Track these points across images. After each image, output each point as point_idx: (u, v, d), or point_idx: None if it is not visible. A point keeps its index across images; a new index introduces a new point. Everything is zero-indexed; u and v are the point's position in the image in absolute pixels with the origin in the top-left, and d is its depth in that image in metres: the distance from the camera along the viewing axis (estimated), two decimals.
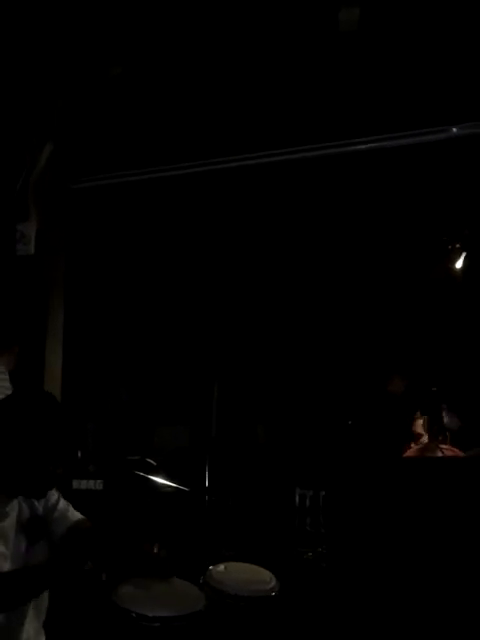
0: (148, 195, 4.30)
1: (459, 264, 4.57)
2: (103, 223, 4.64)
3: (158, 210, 4.67)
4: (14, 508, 2.09)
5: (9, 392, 3.05)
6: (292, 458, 4.84)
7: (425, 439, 3.65)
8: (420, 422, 3.67)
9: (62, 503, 2.27)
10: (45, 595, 2.17)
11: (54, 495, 2.26)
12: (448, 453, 3.45)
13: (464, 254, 4.57)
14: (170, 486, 3.35)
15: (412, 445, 3.69)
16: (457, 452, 3.55)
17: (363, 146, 3.60)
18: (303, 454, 4.80)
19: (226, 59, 3.41)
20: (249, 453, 5.31)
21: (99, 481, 4.15)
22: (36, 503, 2.18)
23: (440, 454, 3.45)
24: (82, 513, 2.44)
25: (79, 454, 4.24)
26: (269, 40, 3.26)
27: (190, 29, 3.28)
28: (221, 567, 2.81)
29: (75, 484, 4.13)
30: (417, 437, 3.67)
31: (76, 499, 3.94)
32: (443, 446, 3.49)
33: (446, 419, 3.61)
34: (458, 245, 4.56)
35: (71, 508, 2.29)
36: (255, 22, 3.16)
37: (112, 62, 3.43)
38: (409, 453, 3.70)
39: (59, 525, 2.21)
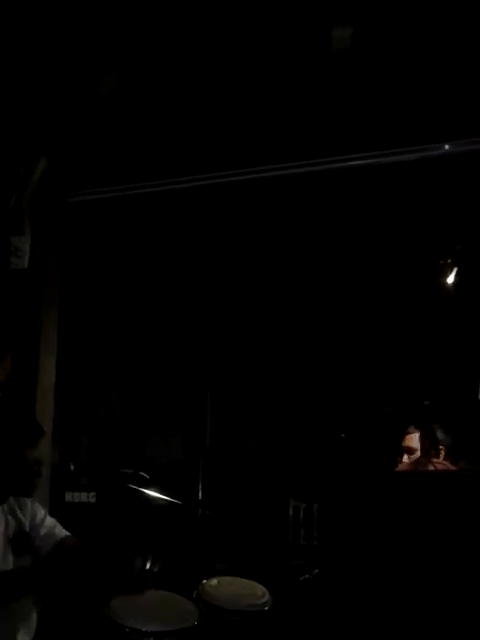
0: (142, 209, 4.32)
1: (451, 279, 4.61)
2: (98, 236, 4.66)
3: (152, 224, 4.70)
4: (1, 522, 2.10)
5: None
6: (286, 470, 4.85)
7: (418, 454, 3.66)
8: (414, 436, 3.68)
9: (49, 520, 2.28)
10: (33, 612, 2.17)
11: (41, 511, 2.27)
12: (440, 467, 3.47)
13: (456, 269, 4.60)
14: (163, 499, 3.35)
15: (404, 459, 3.70)
16: (449, 466, 3.56)
17: (355, 162, 3.64)
18: (297, 466, 4.80)
19: (220, 75, 3.45)
20: (242, 465, 5.31)
21: (92, 494, 4.14)
22: (23, 519, 2.19)
23: (432, 468, 3.46)
24: (75, 526, 2.44)
25: (72, 467, 4.23)
26: (262, 57, 3.30)
27: (184, 44, 3.32)
28: (214, 581, 2.81)
29: (68, 497, 4.12)
30: (411, 451, 3.68)
31: (69, 512, 3.95)
32: (435, 460, 3.50)
33: (440, 434, 3.62)
34: (450, 260, 4.59)
35: (58, 525, 2.31)
36: (248, 39, 3.20)
37: (106, 74, 3.46)
38: (401, 467, 3.71)
39: (45, 541, 2.22)
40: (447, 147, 3.69)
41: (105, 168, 3.93)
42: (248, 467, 5.30)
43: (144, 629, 2.35)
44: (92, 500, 4.13)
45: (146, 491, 3.38)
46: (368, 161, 3.63)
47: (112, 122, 3.69)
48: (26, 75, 3.47)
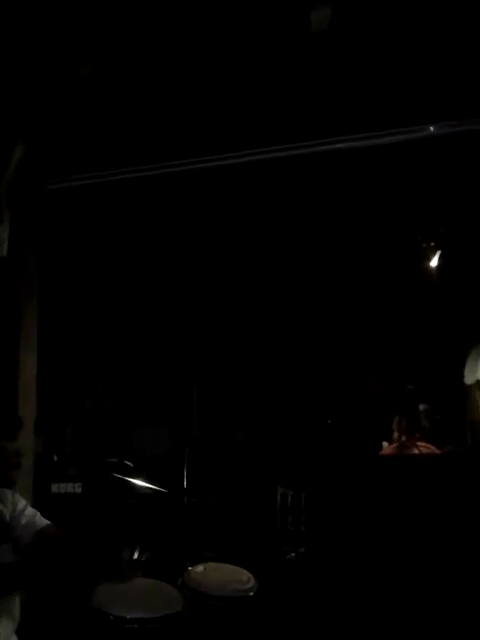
0: (124, 195, 4.28)
1: (434, 262, 4.60)
2: (78, 224, 4.61)
3: (135, 210, 4.65)
4: None
5: None
6: (273, 458, 4.85)
7: (395, 436, 3.68)
8: (396, 419, 3.70)
9: (29, 510, 2.29)
10: (17, 602, 2.16)
11: (22, 502, 2.28)
12: (424, 450, 3.48)
13: (439, 252, 4.60)
14: (149, 488, 3.34)
15: (386, 443, 3.72)
16: (433, 449, 3.58)
17: (337, 145, 3.61)
18: (284, 453, 4.81)
19: (199, 60, 3.40)
20: (230, 453, 5.31)
21: (78, 484, 4.12)
22: (4, 509, 2.19)
23: (417, 451, 3.48)
24: (61, 517, 2.43)
25: (55, 458, 4.20)
26: (240, 40, 3.26)
27: (160, 28, 3.26)
28: (200, 568, 2.81)
29: (54, 488, 4.10)
30: (392, 433, 3.71)
31: (55, 503, 3.93)
32: (420, 444, 3.52)
33: (423, 417, 3.64)
34: (433, 243, 4.59)
35: (39, 515, 2.31)
36: (226, 23, 3.16)
37: (83, 60, 3.40)
38: (386, 451, 3.72)
39: (26, 531, 2.22)
40: (432, 129, 3.67)
41: (85, 154, 3.88)
42: (235, 455, 5.30)
43: (129, 616, 2.35)
44: (78, 491, 4.11)
45: (132, 480, 3.36)
46: (351, 144, 3.60)
47: (91, 108, 3.63)
48: (1, 62, 3.41)
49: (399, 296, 4.88)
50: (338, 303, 5.08)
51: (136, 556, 2.60)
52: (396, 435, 3.68)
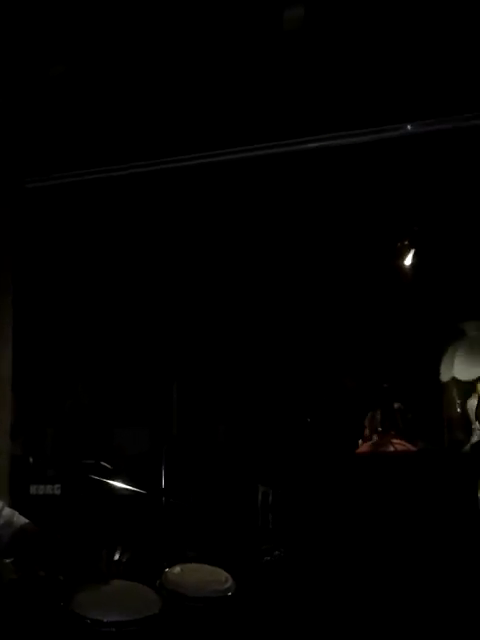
0: (100, 194, 4.25)
1: (408, 260, 4.63)
2: (55, 221, 4.57)
3: (112, 208, 4.62)
4: None
5: None
6: (254, 456, 4.86)
7: (366, 432, 3.71)
8: (368, 415, 3.73)
9: (7, 510, 2.28)
10: None
11: None
12: (400, 448, 3.51)
13: (413, 251, 4.63)
14: (127, 489, 3.32)
15: (362, 441, 3.74)
16: (409, 446, 3.61)
17: (311, 145, 3.61)
18: (265, 452, 4.82)
19: (173, 58, 3.39)
20: (210, 453, 5.31)
21: (57, 486, 4.10)
22: None
23: (392, 449, 3.50)
24: (40, 519, 2.42)
25: (31, 459, 4.18)
26: (213, 39, 3.25)
27: (133, 26, 3.24)
28: (177, 569, 2.79)
29: (33, 489, 4.08)
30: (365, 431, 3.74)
31: (34, 504, 3.90)
32: (395, 441, 3.54)
33: (398, 416, 3.67)
34: (407, 242, 4.62)
35: (17, 514, 2.30)
36: (199, 21, 3.14)
37: (58, 59, 3.38)
38: (362, 448, 3.75)
39: (4, 531, 2.21)
40: (409, 127, 3.67)
41: (62, 153, 3.85)
42: (216, 455, 5.30)
43: (105, 620, 2.34)
44: (57, 492, 4.08)
45: (109, 481, 3.34)
46: (326, 143, 3.60)
47: (68, 106, 3.60)
48: None
49: (376, 294, 4.91)
50: (316, 302, 5.10)
51: (116, 557, 2.59)
52: (367, 432, 3.72)
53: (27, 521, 2.31)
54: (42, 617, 2.65)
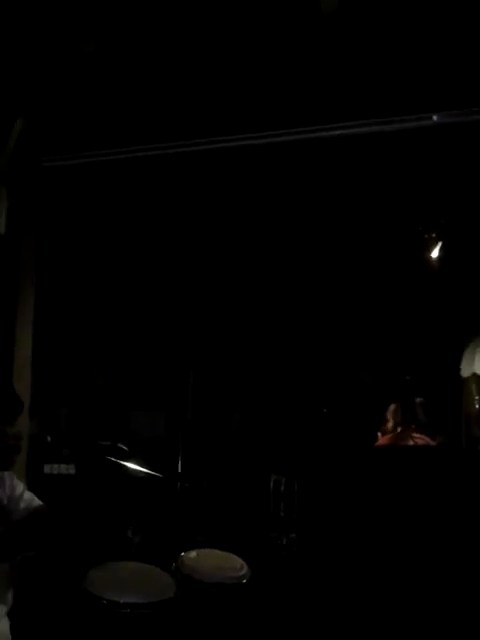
0: (123, 175, 4.22)
1: (435, 253, 4.57)
2: (77, 203, 4.55)
3: (134, 190, 4.59)
4: None
5: None
6: (267, 444, 4.86)
7: (390, 425, 3.69)
8: (392, 407, 3.70)
9: (27, 494, 2.28)
10: (9, 585, 2.15)
11: (20, 486, 2.26)
12: (420, 442, 3.49)
13: (440, 243, 4.57)
14: (142, 472, 3.33)
15: (380, 434, 3.72)
16: (428, 440, 3.58)
17: (340, 131, 3.56)
18: (278, 440, 4.81)
19: (203, 41, 3.33)
20: (225, 439, 5.32)
21: (71, 466, 4.11)
22: (1, 492, 2.17)
23: (412, 443, 3.48)
24: (54, 498, 2.42)
25: (49, 439, 4.19)
26: (248, 21, 3.19)
27: (167, 6, 3.20)
28: (193, 554, 2.81)
29: (47, 468, 4.10)
30: (385, 422, 3.71)
31: (48, 484, 3.92)
32: (415, 435, 3.52)
33: (419, 408, 3.64)
34: (434, 234, 4.55)
35: (35, 498, 2.30)
36: (233, 3, 3.09)
37: (86, 37, 3.33)
38: (382, 441, 3.73)
39: (23, 515, 2.20)
40: (435, 118, 3.61)
41: (84, 133, 3.81)
42: (230, 441, 5.31)
43: (122, 601, 2.36)
44: (71, 472, 4.10)
45: (125, 463, 3.35)
46: (353, 131, 3.55)
47: (91, 85, 3.57)
48: (2, 35, 3.34)
49: (399, 287, 4.85)
50: (337, 292, 5.05)
51: (129, 538, 2.60)
52: (391, 424, 3.69)
53: (42, 503, 2.31)
54: (58, 597, 2.67)
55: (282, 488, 4.17)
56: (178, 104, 3.59)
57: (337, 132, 3.62)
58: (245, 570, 2.73)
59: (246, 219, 4.79)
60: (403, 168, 4.15)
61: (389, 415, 3.71)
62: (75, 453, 4.18)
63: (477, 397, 4.36)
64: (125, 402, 5.44)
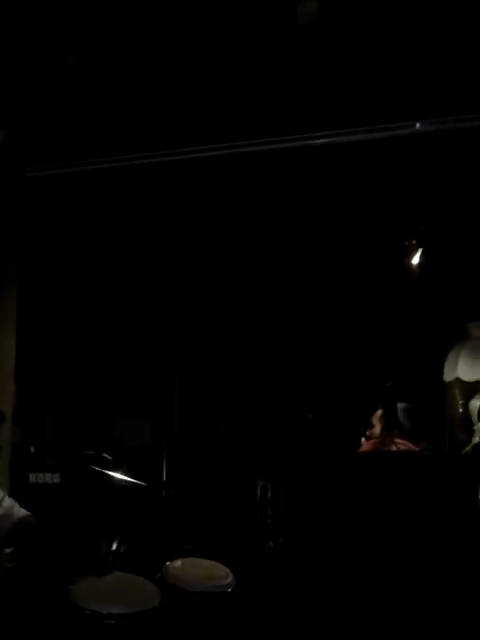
0: (106, 184, 4.23)
1: (416, 260, 4.62)
2: (60, 212, 4.55)
3: (118, 199, 4.60)
4: None
5: None
6: (254, 451, 4.86)
7: (376, 430, 3.71)
8: (379, 413, 3.72)
9: (8, 500, 2.29)
10: None
11: (0, 492, 2.26)
12: (402, 447, 3.51)
13: (420, 250, 4.61)
14: (127, 481, 3.32)
15: (364, 440, 3.74)
16: (411, 446, 3.60)
17: (323, 140, 3.59)
18: (265, 446, 4.82)
19: (183, 51, 3.36)
20: (211, 446, 5.32)
21: (56, 475, 4.10)
22: None
23: (395, 448, 3.50)
24: (39, 507, 2.42)
25: (32, 449, 4.17)
26: (225, 33, 3.22)
27: (149, 18, 3.22)
28: (178, 563, 2.80)
29: (32, 478, 4.08)
30: (370, 427, 3.73)
31: (33, 493, 3.90)
32: (398, 440, 3.54)
33: (401, 414, 3.67)
34: (414, 241, 4.60)
35: (17, 505, 2.30)
36: (211, 16, 3.12)
37: (67, 49, 3.35)
38: (365, 447, 3.74)
39: (5, 521, 2.23)
40: (418, 126, 3.65)
41: (66, 143, 3.82)
42: (216, 448, 5.31)
43: (105, 611, 2.34)
44: (56, 481, 4.08)
45: (109, 473, 3.34)
46: (335, 139, 3.58)
47: (73, 95, 3.58)
48: None
49: (381, 293, 4.89)
50: (320, 298, 5.08)
51: (114, 548, 2.59)
52: (376, 430, 3.71)
53: (27, 513, 2.31)
54: (41, 608, 2.65)
55: (269, 494, 4.18)
56: (159, 114, 3.61)
57: (320, 141, 3.65)
58: (230, 579, 2.72)
59: (229, 226, 4.81)
60: (384, 175, 4.19)
61: (374, 421, 3.74)
62: (60, 462, 4.17)
63: (461, 402, 4.39)
64: (110, 410, 5.43)
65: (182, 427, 5.53)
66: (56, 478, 4.09)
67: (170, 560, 2.83)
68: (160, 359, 5.50)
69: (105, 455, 3.58)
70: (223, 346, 5.44)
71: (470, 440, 4.02)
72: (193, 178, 4.18)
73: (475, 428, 4.01)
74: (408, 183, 4.19)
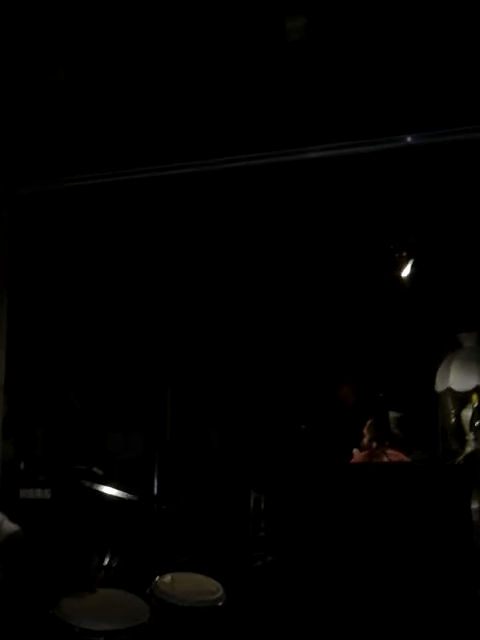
0: (94, 199, 4.24)
1: (406, 272, 4.64)
2: (50, 226, 4.56)
3: (107, 213, 4.61)
4: None
5: None
6: (247, 463, 4.84)
7: (365, 441, 3.71)
8: (369, 423, 3.73)
9: None
10: None
11: None
12: (394, 458, 3.50)
13: (411, 262, 4.64)
14: (118, 495, 3.30)
15: (356, 451, 3.73)
16: (402, 457, 3.60)
17: (314, 154, 3.60)
18: (258, 458, 4.81)
19: (171, 67, 3.38)
20: (203, 458, 5.30)
21: (47, 490, 4.06)
22: None
23: (386, 459, 3.49)
24: (29, 523, 2.40)
25: (22, 465, 4.14)
26: (215, 49, 3.24)
27: (135, 34, 3.24)
28: (168, 578, 2.78)
29: (22, 493, 4.04)
30: (362, 437, 3.73)
31: (24, 509, 3.87)
32: (389, 451, 3.54)
33: (393, 425, 3.67)
34: (405, 253, 4.62)
35: (6, 520, 2.28)
36: (200, 31, 3.14)
37: (55, 66, 3.36)
38: (356, 458, 3.74)
39: None
40: (409, 139, 3.67)
41: (55, 160, 3.84)
42: (209, 460, 5.29)
43: (95, 629, 2.32)
44: (47, 497, 4.05)
45: (100, 487, 3.32)
46: (326, 153, 3.60)
47: (61, 114, 3.59)
48: None
49: (373, 304, 4.91)
50: (312, 310, 5.10)
51: (105, 563, 2.57)
52: (366, 440, 3.71)
53: (17, 527, 2.30)
54: (29, 625, 2.62)
55: (262, 506, 4.16)
56: (147, 130, 3.63)
57: (311, 154, 3.66)
58: (220, 593, 2.71)
59: (221, 239, 4.83)
60: (375, 188, 4.22)
61: (365, 430, 3.74)
62: (51, 478, 4.14)
63: (453, 411, 4.39)
64: (102, 423, 5.41)
65: (174, 439, 5.51)
66: (47, 493, 4.05)
67: (161, 574, 2.82)
68: (151, 371, 5.49)
69: (95, 469, 3.56)
70: (215, 358, 5.44)
71: (463, 449, 4.02)
72: (181, 193, 4.20)
73: (467, 438, 4.00)
74: (399, 196, 4.22)
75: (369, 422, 3.77)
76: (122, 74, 3.49)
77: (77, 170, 3.81)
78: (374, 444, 3.57)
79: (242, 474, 4.66)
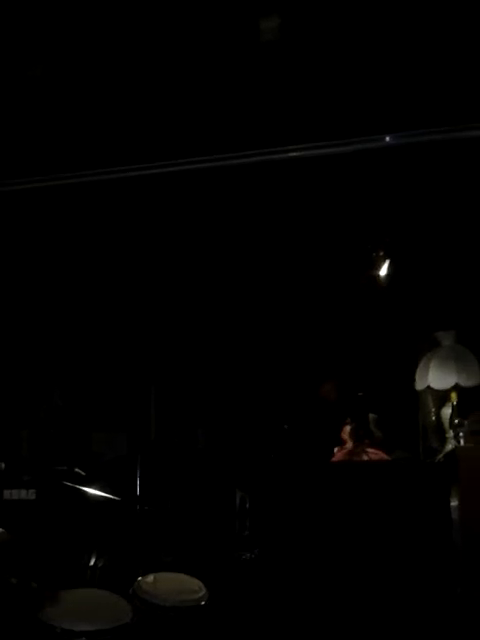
0: (77, 197, 4.23)
1: (383, 271, 4.68)
2: (31, 225, 4.54)
3: (89, 211, 4.61)
4: None
5: None
6: (232, 461, 4.86)
7: (349, 445, 3.74)
8: (347, 428, 3.76)
9: None
10: None
11: None
12: (374, 457, 3.54)
13: (388, 261, 4.68)
14: (101, 496, 3.31)
15: (337, 450, 3.77)
16: (383, 455, 3.64)
17: (293, 154, 3.63)
18: (243, 457, 4.82)
19: (148, 67, 3.38)
20: (188, 457, 5.30)
21: (31, 491, 4.05)
22: None
23: (366, 458, 3.53)
24: (14, 524, 2.41)
25: (2, 465, 4.12)
26: (190, 49, 3.25)
27: (114, 30, 3.24)
28: (150, 577, 2.80)
29: (6, 494, 4.03)
30: (343, 443, 3.76)
31: (8, 510, 3.86)
32: (369, 450, 3.57)
33: (373, 424, 3.70)
34: (382, 252, 4.66)
35: None
36: (175, 31, 3.15)
37: (33, 62, 3.35)
38: (336, 457, 3.77)
39: None
40: (388, 139, 3.70)
41: (26, 159, 3.82)
42: (194, 459, 5.29)
43: (76, 629, 2.33)
44: (31, 497, 4.04)
45: (82, 488, 3.32)
46: (299, 154, 3.62)
47: (41, 111, 3.58)
48: None
49: (351, 304, 4.94)
50: (292, 309, 5.12)
51: (91, 564, 2.58)
52: (349, 445, 3.74)
53: (1, 530, 2.30)
54: (11, 626, 2.63)
55: (248, 505, 4.18)
56: (125, 128, 3.63)
57: (290, 154, 3.69)
58: (203, 592, 2.73)
59: (200, 239, 4.84)
60: (353, 187, 4.25)
61: (344, 435, 3.76)
62: (35, 478, 4.13)
63: (433, 410, 4.44)
64: (86, 423, 5.40)
65: (159, 438, 5.51)
66: (31, 494, 4.04)
67: (144, 574, 2.83)
68: (136, 370, 5.49)
69: (78, 470, 3.56)
70: (199, 357, 5.45)
71: (443, 447, 4.06)
72: (163, 192, 4.21)
73: (447, 436, 4.05)
74: (376, 195, 4.25)
75: (349, 428, 3.80)
76: (105, 72, 3.49)
77: (55, 168, 3.80)
78: (350, 443, 3.61)
79: (227, 473, 4.68)
